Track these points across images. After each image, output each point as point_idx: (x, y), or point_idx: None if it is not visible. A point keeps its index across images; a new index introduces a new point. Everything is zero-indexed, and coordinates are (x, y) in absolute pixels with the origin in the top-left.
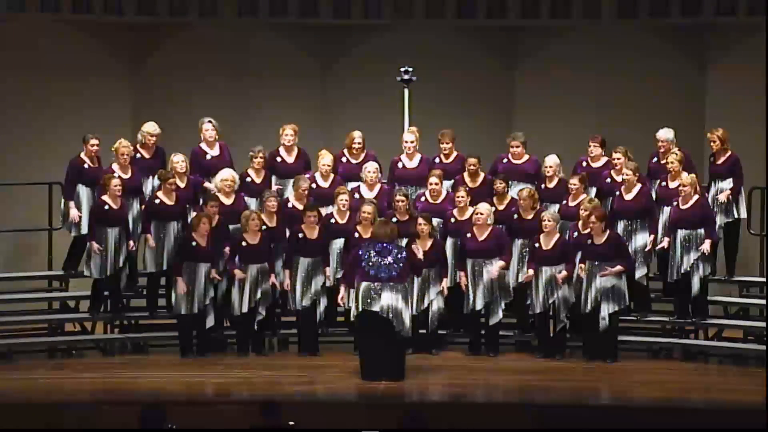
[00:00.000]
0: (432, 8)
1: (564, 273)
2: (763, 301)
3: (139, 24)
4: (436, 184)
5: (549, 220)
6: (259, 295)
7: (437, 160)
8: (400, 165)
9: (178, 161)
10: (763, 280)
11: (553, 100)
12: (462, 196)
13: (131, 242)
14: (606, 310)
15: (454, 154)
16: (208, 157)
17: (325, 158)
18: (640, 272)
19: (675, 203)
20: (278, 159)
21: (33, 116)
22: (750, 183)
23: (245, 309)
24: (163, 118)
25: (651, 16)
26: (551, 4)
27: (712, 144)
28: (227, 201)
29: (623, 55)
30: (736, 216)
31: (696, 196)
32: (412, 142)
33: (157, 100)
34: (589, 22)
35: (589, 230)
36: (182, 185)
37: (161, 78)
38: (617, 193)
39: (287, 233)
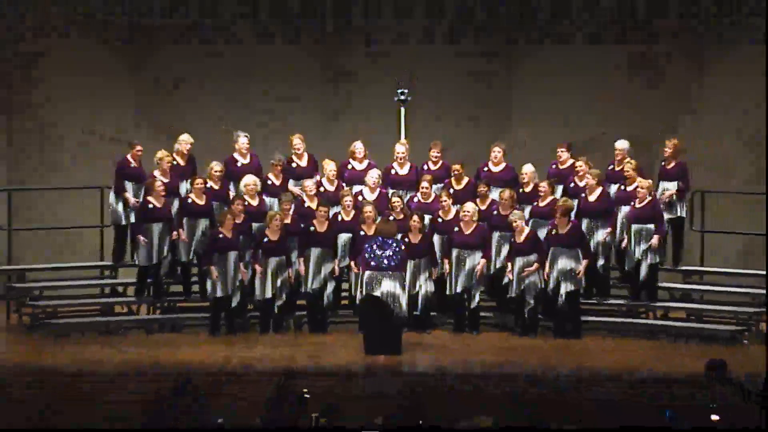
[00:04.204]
0: (426, 34)
1: (536, 265)
2: (702, 287)
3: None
4: (427, 187)
5: (516, 220)
6: (279, 283)
7: (426, 167)
8: (393, 172)
9: (217, 169)
10: (703, 269)
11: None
12: (445, 200)
13: (174, 233)
14: (564, 288)
15: (440, 162)
16: (239, 164)
17: (330, 165)
18: (599, 262)
19: (632, 203)
20: (293, 165)
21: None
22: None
23: (268, 295)
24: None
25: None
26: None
27: (667, 150)
28: (253, 202)
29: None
30: (679, 214)
31: (649, 197)
32: (402, 153)
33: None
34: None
35: (555, 223)
36: (217, 187)
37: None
38: (583, 195)
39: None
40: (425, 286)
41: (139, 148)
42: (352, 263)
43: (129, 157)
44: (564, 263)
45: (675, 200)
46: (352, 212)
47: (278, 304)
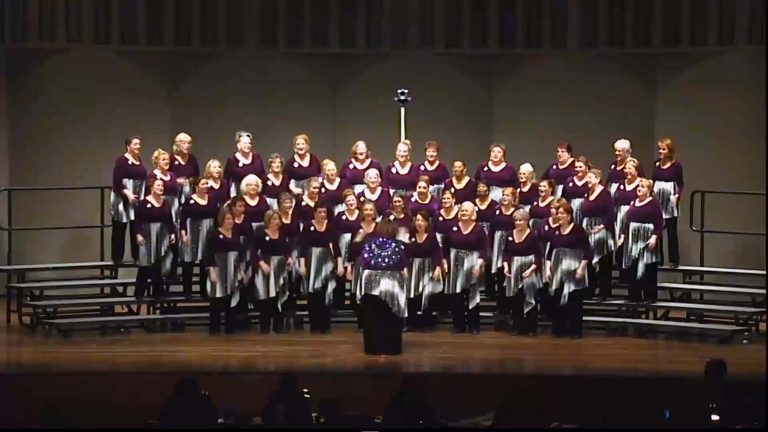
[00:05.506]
0: (424, 38)
1: (534, 266)
2: (702, 287)
3: (177, 53)
4: (424, 188)
5: (520, 219)
6: (281, 282)
7: (422, 167)
8: (393, 171)
9: (215, 167)
10: (703, 269)
11: (525, 117)
12: (448, 198)
13: (172, 236)
14: (567, 289)
15: (437, 162)
16: (241, 164)
17: (329, 165)
18: (594, 260)
19: (632, 203)
20: (295, 165)
21: (89, 131)
22: (691, 187)
23: (272, 294)
24: (196, 131)
25: (609, 46)
26: (525, 34)
27: (661, 151)
28: (252, 202)
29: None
30: (674, 214)
31: (650, 197)
32: (405, 152)
33: (191, 116)
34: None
35: (558, 224)
36: (216, 187)
37: (194, 98)
38: (585, 194)
39: (301, 228)
40: (429, 286)
41: (135, 142)
42: (348, 264)
43: (126, 153)
44: (568, 264)
45: (671, 201)
46: (356, 212)
47: (281, 303)
